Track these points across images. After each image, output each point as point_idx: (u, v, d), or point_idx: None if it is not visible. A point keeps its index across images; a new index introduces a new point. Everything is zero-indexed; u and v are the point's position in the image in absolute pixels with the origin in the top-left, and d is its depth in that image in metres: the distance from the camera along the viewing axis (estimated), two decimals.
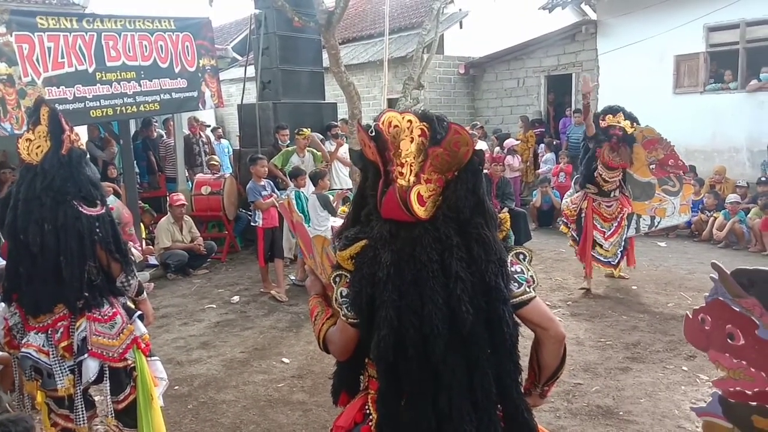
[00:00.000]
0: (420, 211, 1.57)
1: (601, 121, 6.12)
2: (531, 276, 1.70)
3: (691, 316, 1.70)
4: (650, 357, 4.63)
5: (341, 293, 1.70)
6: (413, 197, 1.55)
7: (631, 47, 10.93)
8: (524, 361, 1.76)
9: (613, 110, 6.15)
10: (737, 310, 1.56)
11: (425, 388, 1.61)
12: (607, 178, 6.10)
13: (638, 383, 4.19)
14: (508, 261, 1.68)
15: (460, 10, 13.74)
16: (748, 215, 8.27)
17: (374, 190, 1.66)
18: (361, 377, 1.85)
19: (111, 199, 5.82)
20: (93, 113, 6.59)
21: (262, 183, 6.70)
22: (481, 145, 11.16)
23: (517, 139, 11.61)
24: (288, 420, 3.89)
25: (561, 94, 12.94)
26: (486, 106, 14.05)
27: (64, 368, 2.83)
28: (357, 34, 15.68)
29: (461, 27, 13.79)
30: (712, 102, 10.31)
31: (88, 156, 3.07)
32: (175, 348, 5.19)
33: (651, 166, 6.14)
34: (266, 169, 6.94)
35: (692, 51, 10.40)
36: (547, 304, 5.88)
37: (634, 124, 6.06)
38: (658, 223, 6.31)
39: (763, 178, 8.82)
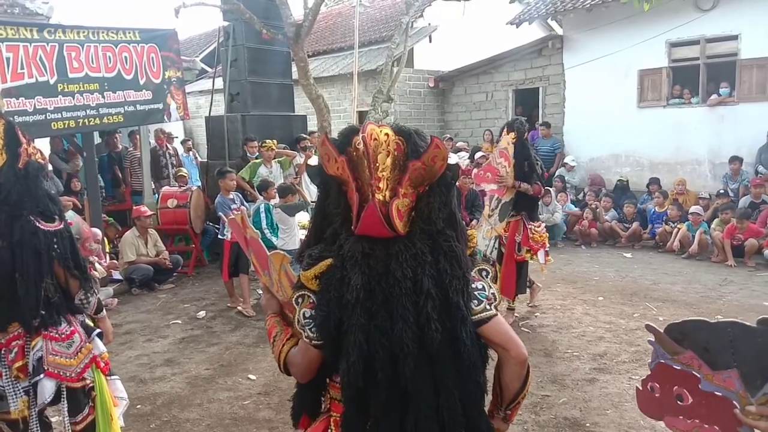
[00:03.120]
0: (400, 226, 1.53)
1: None
2: (492, 293, 1.64)
3: (641, 388, 1.63)
4: (616, 368, 4.67)
5: (304, 314, 1.61)
6: (394, 212, 1.51)
7: (596, 62, 11.16)
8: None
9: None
10: (678, 368, 1.52)
11: (392, 410, 1.56)
12: None
13: (605, 394, 4.22)
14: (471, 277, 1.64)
15: (429, 24, 13.86)
16: (711, 226, 8.45)
17: (338, 207, 1.61)
18: (323, 399, 1.81)
19: (70, 215, 5.71)
20: (54, 125, 6.43)
21: (231, 196, 6.62)
22: (453, 158, 11.26)
23: (483, 152, 11.67)
24: None
25: (529, 108, 13.10)
26: (455, 119, 14.16)
27: (18, 390, 2.72)
28: (327, 47, 15.69)
29: (431, 41, 13.92)
30: (674, 116, 10.57)
31: (50, 168, 2.99)
32: (139, 365, 5.07)
33: None
34: (235, 182, 6.85)
35: (655, 66, 10.65)
36: (516, 316, 5.75)
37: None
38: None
39: (721, 191, 9.07)
